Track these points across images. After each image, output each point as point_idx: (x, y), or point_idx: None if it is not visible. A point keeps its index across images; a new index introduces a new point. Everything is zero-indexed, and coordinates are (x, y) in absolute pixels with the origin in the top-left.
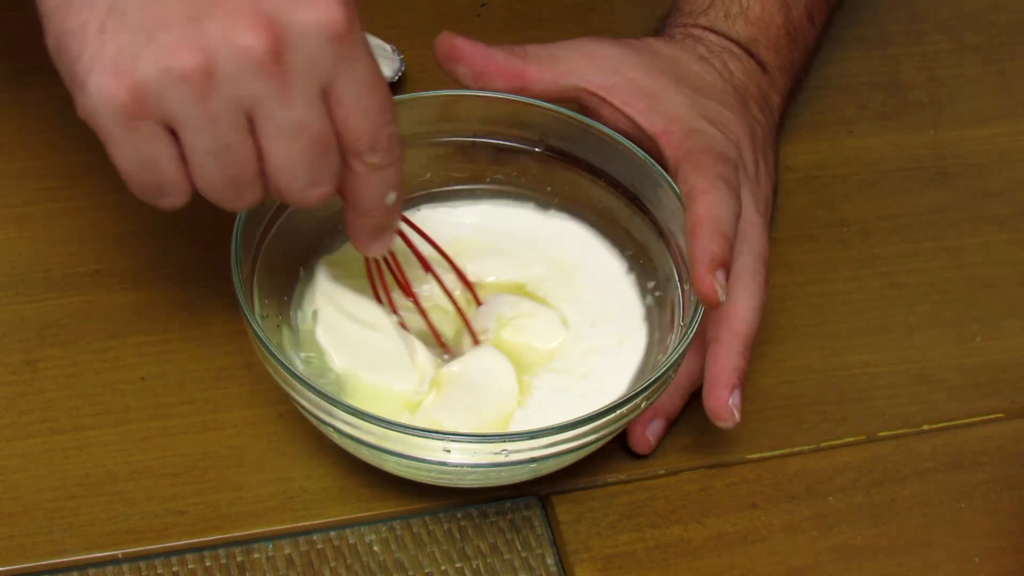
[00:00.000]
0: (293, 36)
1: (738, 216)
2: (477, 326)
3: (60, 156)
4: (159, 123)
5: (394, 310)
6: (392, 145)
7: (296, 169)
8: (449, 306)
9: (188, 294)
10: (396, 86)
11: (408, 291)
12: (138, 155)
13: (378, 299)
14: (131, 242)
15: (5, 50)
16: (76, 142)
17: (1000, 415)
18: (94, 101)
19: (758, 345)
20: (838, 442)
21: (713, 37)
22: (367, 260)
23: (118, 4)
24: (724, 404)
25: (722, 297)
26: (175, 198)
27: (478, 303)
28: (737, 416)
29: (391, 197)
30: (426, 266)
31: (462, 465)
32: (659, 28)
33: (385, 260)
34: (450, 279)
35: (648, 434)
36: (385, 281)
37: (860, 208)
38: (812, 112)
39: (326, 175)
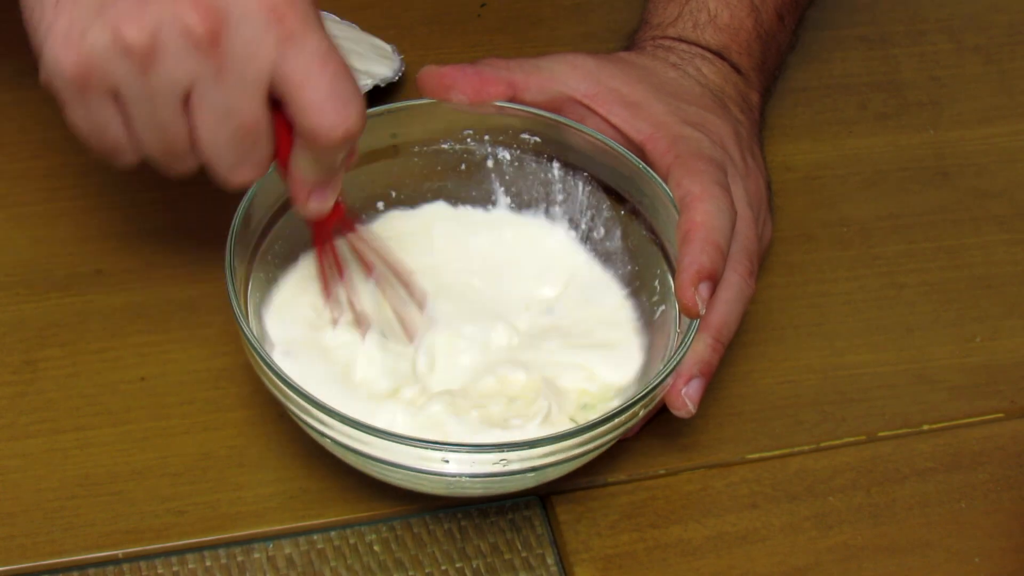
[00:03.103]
0: (234, 18)
1: (733, 224)
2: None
3: (60, 156)
4: (106, 93)
5: (351, 307)
6: (329, 146)
7: (221, 151)
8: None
9: (188, 294)
10: (396, 86)
11: (369, 270)
12: (88, 120)
13: (326, 292)
14: (131, 242)
15: (5, 50)
16: (76, 142)
17: (1000, 415)
18: (49, 70)
19: (757, 344)
20: (838, 442)
21: (683, 46)
22: (319, 252)
23: None
24: (676, 392)
25: (702, 310)
26: (126, 158)
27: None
28: (691, 407)
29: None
30: (369, 270)
31: (461, 475)
32: (628, 44)
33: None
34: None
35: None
36: (335, 270)
37: (860, 208)
38: (812, 112)
39: (251, 162)
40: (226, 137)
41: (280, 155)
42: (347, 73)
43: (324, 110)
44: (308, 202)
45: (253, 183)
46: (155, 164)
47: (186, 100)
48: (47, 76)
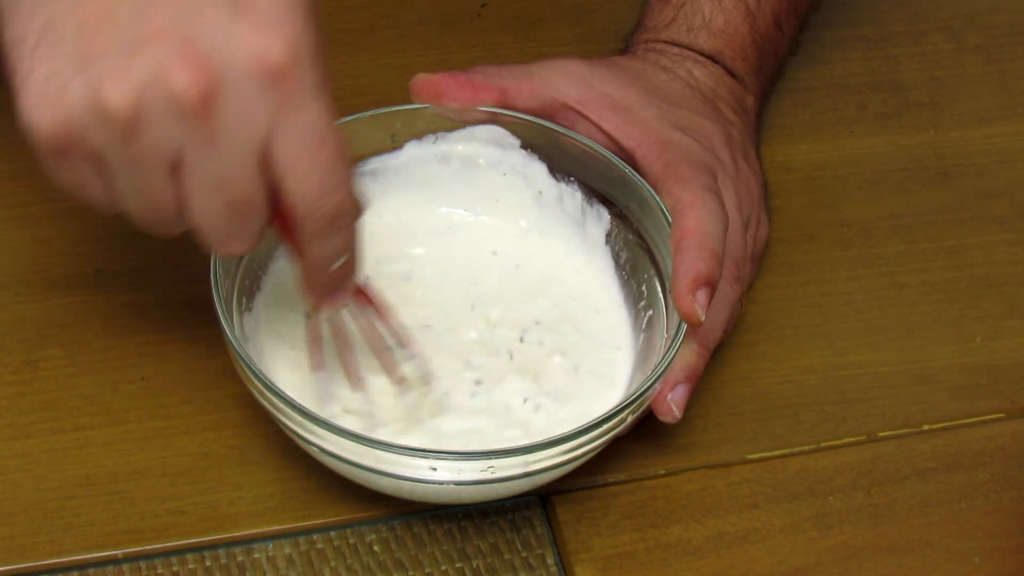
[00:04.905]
0: (227, 81)
1: (726, 228)
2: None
3: None
4: (86, 156)
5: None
6: (338, 214)
7: (212, 221)
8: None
9: (188, 294)
10: None
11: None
12: (68, 179)
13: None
14: (131, 242)
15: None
16: None
17: (1000, 415)
18: (25, 123)
19: (757, 345)
20: (838, 442)
21: (676, 50)
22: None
23: (54, 23)
24: (662, 398)
25: (702, 316)
26: (112, 212)
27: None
28: (676, 412)
29: (338, 262)
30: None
31: (448, 483)
32: (623, 48)
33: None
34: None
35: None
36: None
37: (860, 208)
38: (812, 112)
39: (246, 233)
40: (217, 208)
41: (281, 226)
42: (340, 156)
43: (307, 199)
44: (321, 304)
45: (246, 254)
46: (139, 224)
47: (175, 167)
48: (24, 127)
